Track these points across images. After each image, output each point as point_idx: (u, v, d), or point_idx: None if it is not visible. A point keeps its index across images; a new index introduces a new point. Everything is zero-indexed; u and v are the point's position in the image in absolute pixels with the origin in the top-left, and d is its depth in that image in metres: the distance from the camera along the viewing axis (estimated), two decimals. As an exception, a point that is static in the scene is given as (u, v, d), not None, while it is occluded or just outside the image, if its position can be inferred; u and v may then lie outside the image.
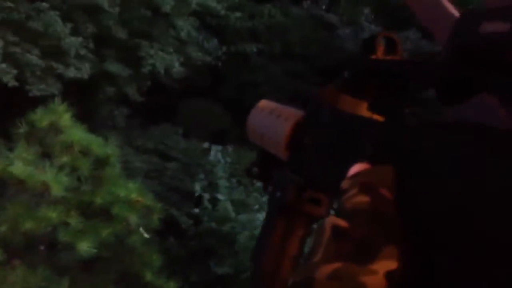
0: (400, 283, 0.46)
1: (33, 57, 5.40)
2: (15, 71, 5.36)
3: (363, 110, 0.62)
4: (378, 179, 0.52)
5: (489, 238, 0.42)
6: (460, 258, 0.44)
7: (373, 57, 0.63)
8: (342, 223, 0.50)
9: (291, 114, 0.73)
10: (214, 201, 4.83)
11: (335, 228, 0.50)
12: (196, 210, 4.85)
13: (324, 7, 6.78)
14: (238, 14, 6.47)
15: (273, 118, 0.77)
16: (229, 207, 4.80)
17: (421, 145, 0.50)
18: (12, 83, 5.29)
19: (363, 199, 0.50)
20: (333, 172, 0.62)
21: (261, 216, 4.60)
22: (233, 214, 4.75)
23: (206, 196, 4.83)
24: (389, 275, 0.46)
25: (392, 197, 0.50)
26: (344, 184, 0.54)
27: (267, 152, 0.78)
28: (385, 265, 0.46)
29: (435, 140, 0.49)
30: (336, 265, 0.47)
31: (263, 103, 0.80)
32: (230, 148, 5.28)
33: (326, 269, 0.48)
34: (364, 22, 6.68)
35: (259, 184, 5.15)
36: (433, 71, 0.52)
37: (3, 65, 5.30)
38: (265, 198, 4.82)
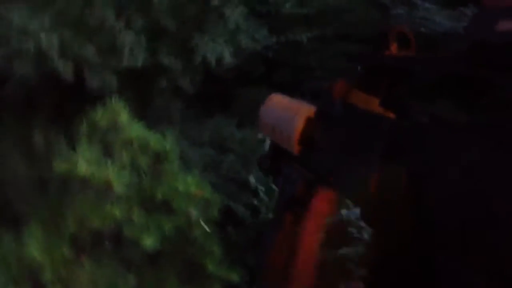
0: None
1: (89, 52, 5.53)
2: (71, 66, 5.50)
3: (375, 106, 0.61)
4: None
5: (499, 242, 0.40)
6: (465, 258, 0.43)
7: (387, 53, 0.60)
8: None
9: (303, 109, 0.75)
10: (271, 191, 4.85)
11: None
12: (254, 201, 4.88)
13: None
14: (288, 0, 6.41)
15: (285, 113, 0.78)
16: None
17: (432, 143, 0.49)
18: (69, 77, 5.44)
19: None
20: (344, 167, 0.61)
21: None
22: (290, 203, 4.76)
23: (261, 188, 4.86)
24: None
25: None
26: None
27: (278, 146, 0.79)
28: None
29: (447, 138, 0.48)
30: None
31: (275, 97, 0.81)
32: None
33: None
34: (417, 0, 6.49)
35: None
36: (446, 67, 0.51)
37: (61, 61, 5.45)
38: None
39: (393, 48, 0.63)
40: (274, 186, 4.83)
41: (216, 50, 6.05)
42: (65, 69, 5.44)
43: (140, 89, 6.08)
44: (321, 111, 0.70)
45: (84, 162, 3.67)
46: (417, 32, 6.58)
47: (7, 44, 5.21)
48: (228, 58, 6.19)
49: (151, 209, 4.02)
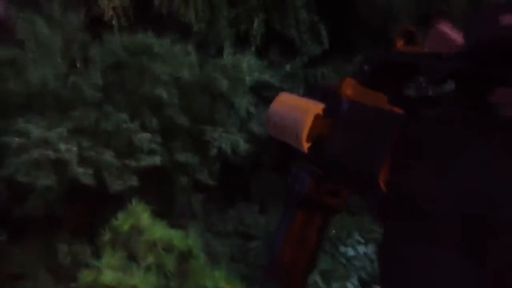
0: None
1: (108, 157, 5.63)
2: (91, 173, 5.59)
3: (383, 103, 0.61)
4: None
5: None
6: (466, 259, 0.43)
7: (392, 49, 0.62)
8: None
9: (311, 106, 0.72)
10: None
11: None
12: None
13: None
14: (293, 81, 6.56)
15: (292, 111, 0.76)
16: (318, 278, 4.69)
17: (441, 139, 0.49)
18: (92, 182, 5.51)
19: None
20: (353, 165, 0.61)
21: (350, 285, 4.46)
22: (324, 286, 4.63)
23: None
24: None
25: None
26: None
27: (286, 144, 0.77)
28: None
29: (453, 133, 0.48)
30: None
31: (283, 96, 0.80)
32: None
33: None
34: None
35: (343, 250, 5.05)
36: (452, 63, 0.51)
37: (81, 169, 5.55)
38: (350, 265, 4.68)
39: (399, 44, 0.62)
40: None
41: (230, 140, 6.13)
42: (85, 175, 5.53)
43: (160, 188, 6.13)
44: (329, 109, 0.70)
45: (109, 270, 3.64)
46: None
47: (27, 155, 5.36)
48: (242, 146, 6.26)
49: (181, 310, 3.94)
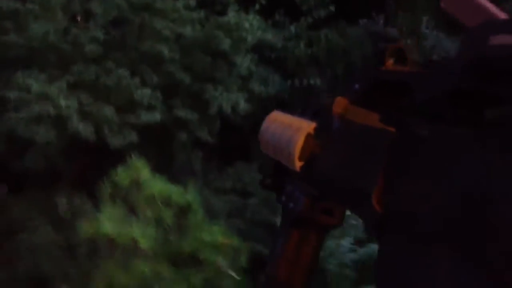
0: None
1: (108, 112, 5.64)
2: (92, 128, 5.61)
3: (375, 121, 0.62)
4: None
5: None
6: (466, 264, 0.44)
7: (383, 68, 0.63)
8: None
9: (303, 125, 0.73)
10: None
11: None
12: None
13: (381, 21, 6.69)
14: (297, 44, 6.50)
15: (285, 129, 0.76)
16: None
17: (434, 156, 0.50)
18: (92, 137, 5.54)
19: None
20: (346, 183, 0.62)
21: (345, 242, 4.53)
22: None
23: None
24: None
25: None
26: None
27: (280, 163, 0.77)
28: None
29: (447, 151, 0.49)
30: None
31: (275, 114, 0.81)
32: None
33: None
34: (425, 30, 6.53)
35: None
36: (444, 82, 0.52)
37: (81, 124, 5.56)
38: (346, 225, 4.75)
39: (389, 64, 0.63)
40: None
41: (230, 99, 6.12)
42: (85, 130, 5.54)
43: (160, 144, 6.16)
44: (321, 127, 0.71)
45: (108, 222, 3.69)
46: (429, 60, 6.54)
47: (27, 110, 5.35)
48: (242, 105, 6.24)
49: (179, 263, 4.01)
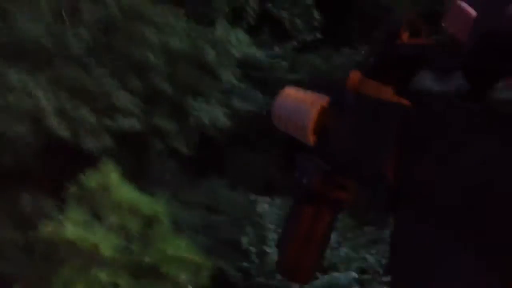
0: None
1: (85, 113, 5.56)
2: (67, 127, 5.52)
3: (389, 95, 0.61)
4: None
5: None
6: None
7: (398, 42, 0.62)
8: None
9: (317, 99, 0.72)
10: (262, 254, 4.76)
11: None
12: (246, 264, 4.79)
13: (362, 52, 6.76)
14: (281, 64, 6.52)
15: (298, 104, 0.76)
16: (279, 259, 4.72)
17: (448, 130, 0.49)
18: (67, 136, 5.45)
19: None
20: (359, 157, 0.61)
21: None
22: (283, 267, 4.66)
23: (253, 249, 4.78)
24: None
25: None
26: None
27: (293, 138, 0.77)
28: None
29: (461, 126, 0.48)
30: None
31: (289, 90, 0.80)
32: (277, 200, 5.24)
33: None
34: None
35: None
36: (458, 54, 0.51)
37: (56, 120, 5.47)
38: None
39: (405, 37, 0.62)
40: (266, 248, 4.72)
41: (210, 113, 6.10)
42: (60, 128, 5.44)
43: (135, 151, 6.08)
44: (335, 101, 0.70)
45: (71, 225, 3.62)
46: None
47: (2, 100, 5.25)
48: (222, 120, 6.22)
49: (139, 273, 3.94)
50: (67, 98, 5.65)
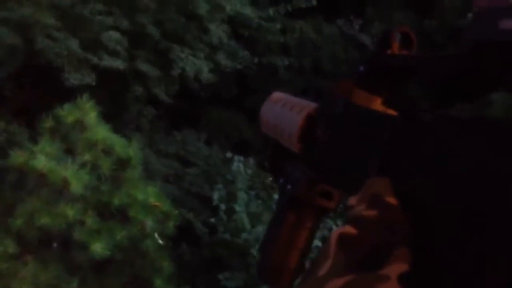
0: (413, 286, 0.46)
1: (73, 44, 5.42)
2: (54, 55, 5.38)
3: (377, 105, 0.62)
4: (382, 188, 0.52)
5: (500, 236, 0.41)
6: (472, 255, 0.43)
7: (388, 52, 0.62)
8: (350, 230, 0.50)
9: (304, 106, 0.72)
10: (230, 211, 4.79)
11: (343, 236, 0.49)
12: (213, 220, 4.81)
13: (357, 27, 6.73)
14: (270, 26, 6.45)
15: (286, 110, 0.76)
16: (245, 219, 4.76)
17: (436, 140, 0.50)
18: (51, 59, 5.31)
19: (371, 212, 0.50)
20: (346, 166, 0.62)
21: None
22: (248, 227, 4.70)
23: (223, 206, 4.80)
24: (401, 277, 0.46)
25: (397, 203, 0.50)
26: (351, 200, 0.53)
27: (279, 144, 0.77)
28: (397, 268, 0.46)
29: (448, 135, 0.49)
30: (346, 277, 0.46)
31: (276, 95, 0.81)
32: (251, 160, 5.25)
33: (337, 283, 0.46)
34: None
35: (275, 197, 5.11)
36: (449, 66, 0.52)
37: (44, 43, 5.32)
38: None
39: (395, 47, 0.62)
40: (235, 207, 4.75)
41: (195, 65, 6.00)
42: (48, 51, 5.28)
43: (114, 93, 5.97)
44: (323, 109, 0.70)
45: (42, 156, 3.54)
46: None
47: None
48: (206, 74, 6.15)
49: (106, 215, 3.91)
50: (58, 26, 5.48)
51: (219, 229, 4.72)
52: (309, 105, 0.72)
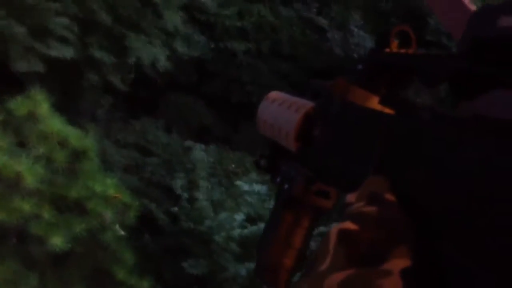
0: (415, 282, 0.46)
1: (19, 33, 5.23)
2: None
3: (374, 104, 0.62)
4: (381, 186, 0.52)
5: (499, 233, 0.41)
6: (474, 254, 0.43)
7: (387, 50, 0.63)
8: (350, 225, 0.49)
9: (301, 105, 0.73)
10: (193, 200, 4.75)
11: (343, 232, 0.49)
12: (175, 209, 4.77)
13: (314, 10, 6.74)
14: (227, 11, 6.39)
15: (283, 109, 0.76)
16: (208, 207, 4.73)
17: (433, 139, 0.49)
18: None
19: (371, 209, 0.50)
20: (343, 165, 0.62)
21: (239, 217, 4.54)
22: (211, 214, 4.68)
23: (185, 195, 4.76)
24: (404, 273, 0.46)
25: (396, 200, 0.50)
26: (349, 198, 0.53)
27: (276, 143, 0.77)
28: (399, 263, 0.46)
29: (447, 134, 0.48)
30: (347, 272, 0.47)
31: (273, 94, 0.81)
32: (212, 147, 5.21)
33: (337, 277, 0.46)
34: (353, 28, 6.67)
35: (238, 183, 5.11)
36: (448, 64, 0.52)
37: None
38: (241, 200, 4.76)
39: (394, 45, 0.62)
40: (197, 194, 4.72)
41: (151, 52, 5.90)
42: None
43: (67, 82, 5.82)
44: (320, 108, 0.69)
45: (-6, 151, 3.43)
46: (350, 56, 6.78)
47: None
48: (163, 62, 6.05)
49: (63, 208, 3.82)
50: (2, 15, 5.29)
51: (182, 218, 4.69)
52: (306, 104, 0.72)
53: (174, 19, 5.87)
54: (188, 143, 5.16)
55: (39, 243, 3.59)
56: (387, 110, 0.58)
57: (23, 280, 3.56)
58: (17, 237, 3.71)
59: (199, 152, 5.01)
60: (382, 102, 0.60)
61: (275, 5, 6.62)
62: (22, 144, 3.77)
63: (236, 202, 4.60)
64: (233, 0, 6.48)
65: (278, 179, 0.77)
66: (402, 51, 0.62)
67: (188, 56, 6.08)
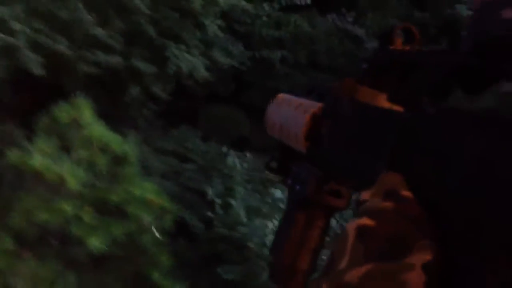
0: (437, 276, 0.45)
1: (61, 46, 5.41)
2: (42, 60, 5.38)
3: (382, 101, 0.62)
4: (396, 183, 0.51)
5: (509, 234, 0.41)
6: (482, 253, 0.43)
7: (392, 48, 0.63)
8: (368, 221, 0.48)
9: (310, 106, 0.74)
10: (227, 206, 4.82)
11: (361, 228, 0.48)
12: (210, 214, 4.84)
13: (350, 19, 6.75)
14: (265, 21, 6.47)
15: (291, 111, 0.77)
16: (242, 213, 4.79)
17: (444, 134, 0.49)
18: (40, 72, 5.31)
19: (388, 204, 0.49)
20: (354, 163, 0.62)
21: (271, 224, 4.58)
22: (245, 220, 4.74)
23: (218, 201, 4.83)
24: (426, 267, 0.45)
25: (412, 196, 0.49)
26: (364, 195, 0.53)
27: (286, 145, 0.77)
28: (421, 257, 0.45)
29: (459, 129, 0.48)
30: (367, 266, 0.45)
31: (282, 96, 0.83)
32: (248, 155, 5.28)
33: (358, 272, 0.46)
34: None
35: (273, 191, 5.16)
36: (453, 59, 0.52)
37: (31, 54, 5.32)
38: (275, 207, 4.80)
39: (398, 43, 0.62)
40: (232, 201, 4.81)
41: (191, 62, 6.03)
42: (36, 63, 5.30)
43: (110, 91, 6.01)
44: (328, 108, 0.70)
45: (39, 155, 3.59)
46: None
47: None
48: (202, 72, 6.17)
49: (103, 211, 3.95)
50: (42, 30, 5.48)
51: (216, 224, 4.76)
52: (314, 105, 0.73)
53: (212, 28, 5.99)
54: (224, 149, 5.24)
55: (79, 244, 3.72)
56: (396, 107, 0.59)
57: (63, 280, 3.69)
58: (58, 238, 3.85)
59: (235, 159, 5.08)
60: (390, 99, 0.60)
61: (312, 16, 6.66)
62: (65, 149, 3.92)
63: (270, 209, 4.64)
64: (271, 11, 6.56)
65: (289, 181, 0.76)
66: (407, 48, 0.62)
67: (227, 65, 6.18)
